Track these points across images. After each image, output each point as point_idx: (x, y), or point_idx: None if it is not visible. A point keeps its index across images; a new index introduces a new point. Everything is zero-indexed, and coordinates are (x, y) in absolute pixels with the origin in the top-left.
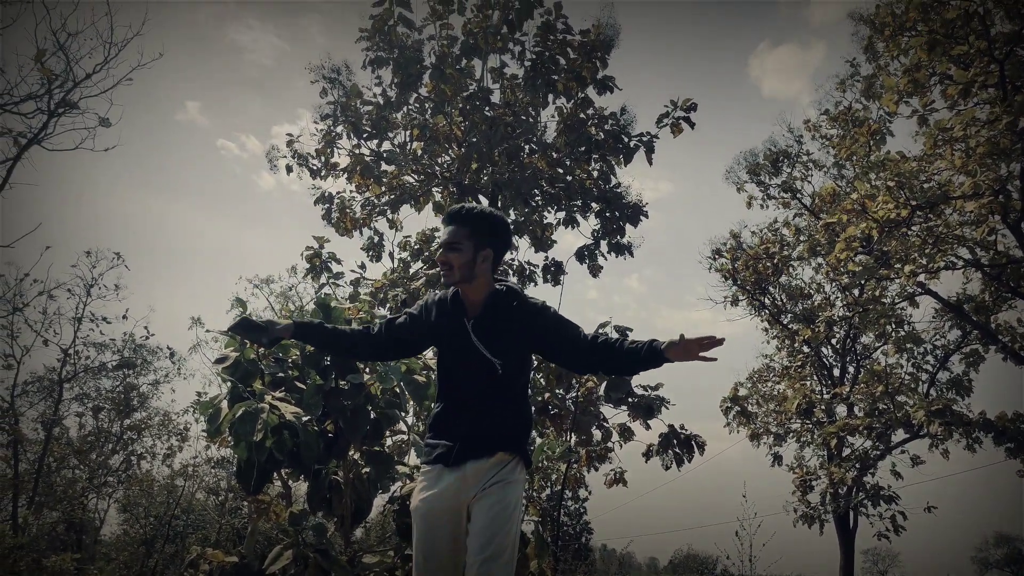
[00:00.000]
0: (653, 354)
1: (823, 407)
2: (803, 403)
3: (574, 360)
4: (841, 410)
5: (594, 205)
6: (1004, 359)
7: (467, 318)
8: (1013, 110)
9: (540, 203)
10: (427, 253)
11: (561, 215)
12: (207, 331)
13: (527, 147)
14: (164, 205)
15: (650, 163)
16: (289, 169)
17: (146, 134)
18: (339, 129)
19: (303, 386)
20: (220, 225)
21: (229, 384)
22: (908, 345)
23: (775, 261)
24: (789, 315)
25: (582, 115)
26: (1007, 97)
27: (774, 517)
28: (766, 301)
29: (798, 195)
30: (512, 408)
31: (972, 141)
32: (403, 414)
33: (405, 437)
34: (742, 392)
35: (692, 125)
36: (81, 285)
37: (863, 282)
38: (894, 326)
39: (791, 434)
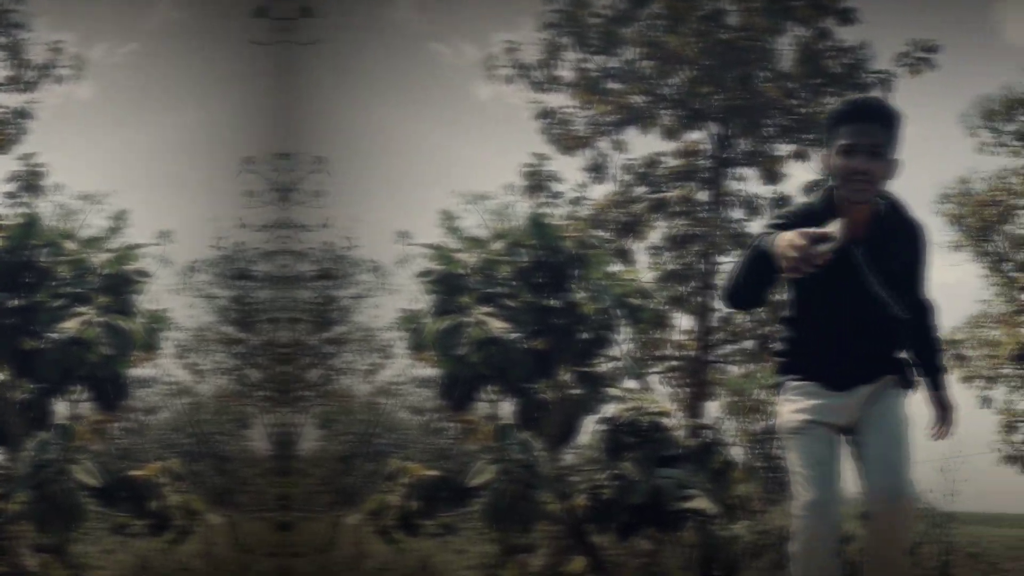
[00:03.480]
0: (929, 384)
1: None
2: (1016, 349)
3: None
4: None
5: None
6: None
7: (854, 242)
8: None
9: (772, 134)
10: (651, 177)
11: (792, 148)
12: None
13: (761, 75)
14: (371, 109)
15: None
16: (509, 79)
17: (352, 30)
18: (564, 40)
19: (513, 304)
20: (431, 135)
21: (434, 298)
22: None
23: (1001, 209)
24: (1010, 263)
25: (820, 46)
26: None
27: (978, 457)
28: (989, 248)
29: None
30: (896, 333)
31: None
32: (615, 336)
33: (618, 360)
34: (959, 336)
35: (932, 67)
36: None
37: None
38: None
39: (1002, 378)
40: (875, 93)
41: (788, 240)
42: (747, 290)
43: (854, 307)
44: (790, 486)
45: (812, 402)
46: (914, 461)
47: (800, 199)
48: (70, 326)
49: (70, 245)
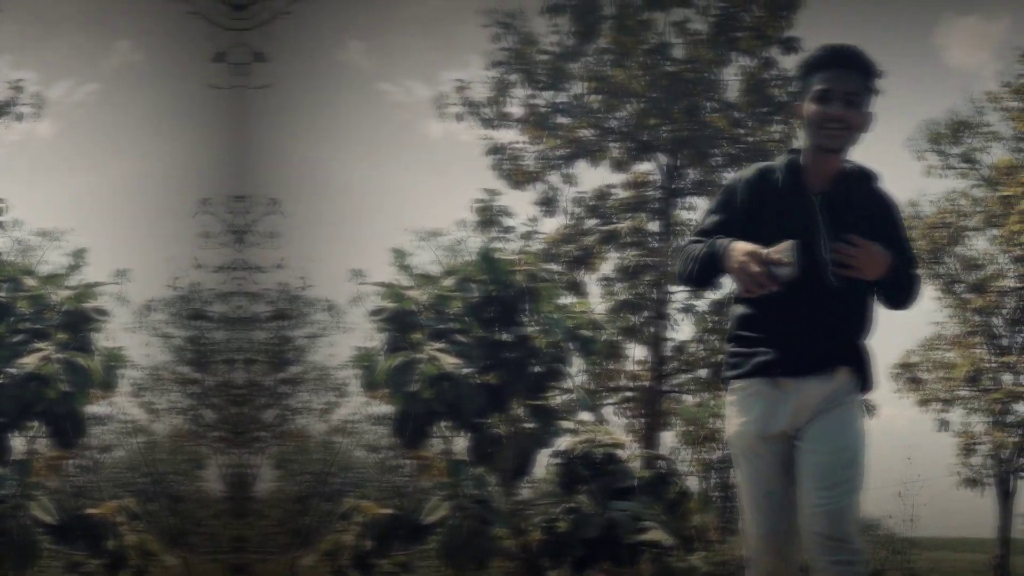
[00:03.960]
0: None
1: (990, 375)
2: (971, 371)
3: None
4: (1007, 378)
5: None
6: None
7: (812, 192)
8: None
9: (720, 163)
10: (602, 209)
11: None
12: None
13: (708, 105)
14: (323, 150)
15: None
16: (459, 117)
17: (305, 72)
18: (512, 77)
19: (464, 339)
20: (384, 173)
21: (386, 335)
22: None
23: (951, 230)
24: (962, 284)
25: (765, 75)
26: None
27: (936, 481)
28: (940, 270)
29: (977, 166)
30: (859, 313)
31: None
32: (568, 368)
33: (571, 393)
34: (913, 359)
35: (876, 93)
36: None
37: None
38: None
39: (958, 400)
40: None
41: (740, 263)
42: (701, 280)
43: (811, 276)
44: (741, 515)
45: (757, 411)
46: (866, 485)
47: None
48: (29, 362)
49: (30, 281)
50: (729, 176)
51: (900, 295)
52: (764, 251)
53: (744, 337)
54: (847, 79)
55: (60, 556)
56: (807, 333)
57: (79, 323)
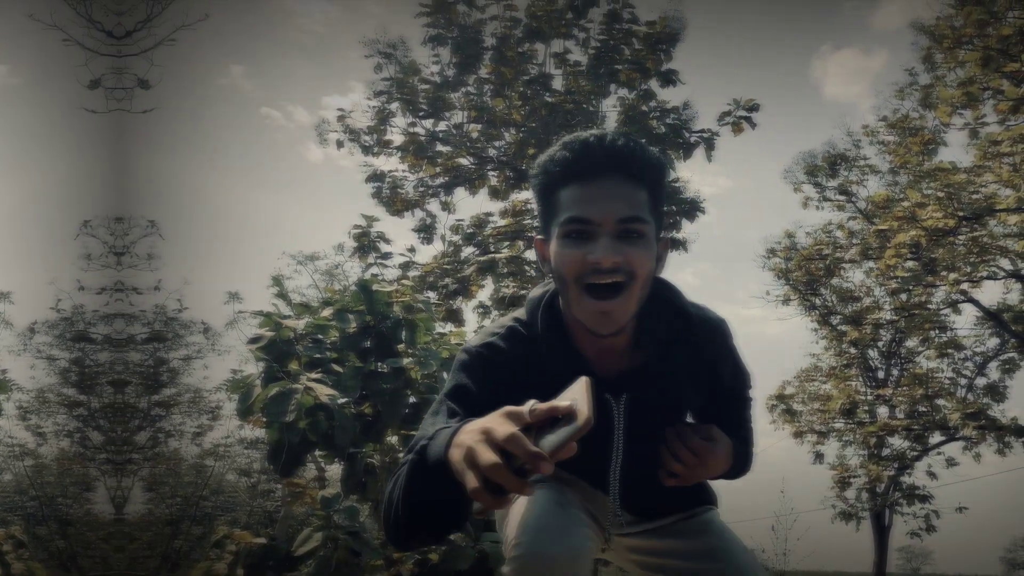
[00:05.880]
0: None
1: (866, 407)
2: (847, 403)
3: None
4: (883, 411)
5: None
6: None
7: (610, 391)
8: None
9: None
10: (479, 238)
11: None
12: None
13: None
14: (204, 174)
15: (709, 160)
16: (340, 144)
17: (187, 97)
18: (393, 106)
19: (341, 369)
20: (262, 197)
21: (263, 364)
22: (949, 351)
23: (827, 262)
24: (838, 316)
25: (644, 107)
26: None
27: (811, 514)
28: (817, 301)
29: (853, 198)
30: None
31: (1018, 156)
32: None
33: None
34: (789, 391)
35: (753, 125)
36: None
37: (910, 288)
38: (937, 332)
39: (833, 433)
40: (695, 151)
41: (483, 434)
42: (413, 526)
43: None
44: None
45: None
46: (739, 518)
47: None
48: None
49: None
50: (462, 354)
51: (726, 477)
52: (533, 407)
53: None
54: (617, 195)
55: None
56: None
57: None
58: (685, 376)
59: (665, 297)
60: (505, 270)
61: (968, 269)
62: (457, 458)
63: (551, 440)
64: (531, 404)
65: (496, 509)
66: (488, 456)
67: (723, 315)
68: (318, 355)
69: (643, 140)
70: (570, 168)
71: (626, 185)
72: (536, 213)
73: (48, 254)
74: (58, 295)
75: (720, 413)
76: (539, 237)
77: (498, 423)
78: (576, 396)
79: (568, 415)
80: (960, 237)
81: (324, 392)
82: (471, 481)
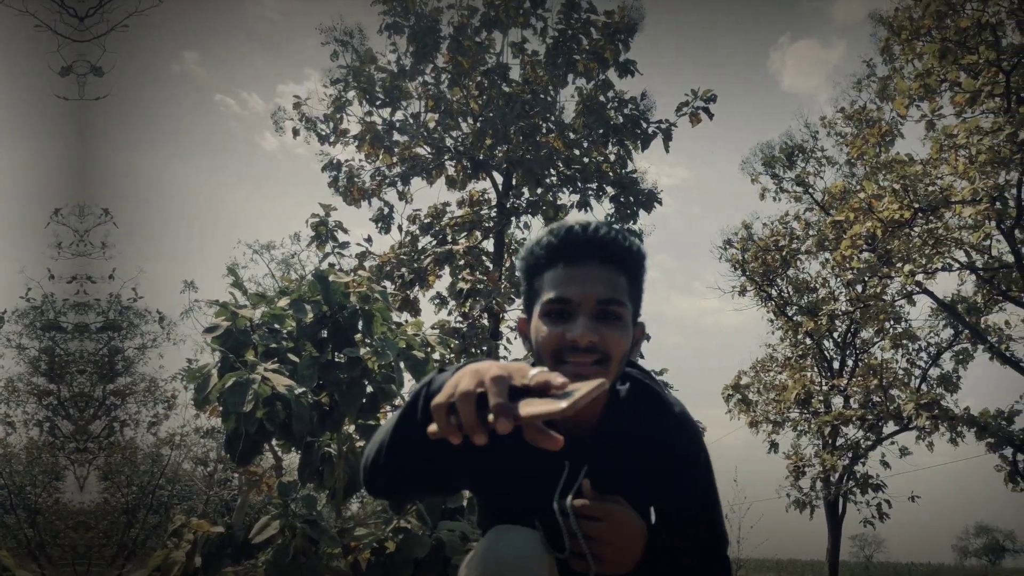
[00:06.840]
0: None
1: (821, 398)
2: (802, 393)
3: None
4: (837, 401)
5: (609, 189)
6: (991, 359)
7: (568, 457)
8: (1015, 121)
9: (554, 184)
10: (437, 228)
11: (575, 198)
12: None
13: (544, 126)
14: (158, 161)
15: (667, 150)
16: (296, 132)
17: (140, 84)
18: (350, 95)
19: (297, 359)
20: (218, 185)
21: (219, 354)
22: (904, 341)
23: (784, 253)
24: (794, 307)
25: (602, 98)
26: (1010, 108)
27: (766, 503)
28: (773, 292)
29: (810, 190)
30: None
31: (974, 148)
32: (399, 389)
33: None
34: (744, 380)
35: (711, 116)
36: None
37: (866, 279)
38: (892, 323)
39: (788, 423)
40: (653, 141)
41: (478, 371)
42: (389, 464)
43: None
44: None
45: None
46: None
47: None
48: None
49: None
50: None
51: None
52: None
53: None
54: (597, 279)
55: None
56: None
57: None
58: (643, 460)
59: (644, 382)
60: (462, 261)
61: (923, 261)
62: (449, 380)
63: (527, 409)
64: (538, 370)
65: (444, 437)
66: (467, 384)
67: (681, 306)
68: (274, 345)
69: (625, 229)
70: (554, 252)
71: (607, 270)
72: (521, 292)
73: (16, 242)
74: (28, 284)
75: (689, 537)
76: (522, 316)
77: (498, 368)
78: (579, 388)
79: (558, 397)
80: (916, 229)
81: (281, 382)
82: (440, 397)
